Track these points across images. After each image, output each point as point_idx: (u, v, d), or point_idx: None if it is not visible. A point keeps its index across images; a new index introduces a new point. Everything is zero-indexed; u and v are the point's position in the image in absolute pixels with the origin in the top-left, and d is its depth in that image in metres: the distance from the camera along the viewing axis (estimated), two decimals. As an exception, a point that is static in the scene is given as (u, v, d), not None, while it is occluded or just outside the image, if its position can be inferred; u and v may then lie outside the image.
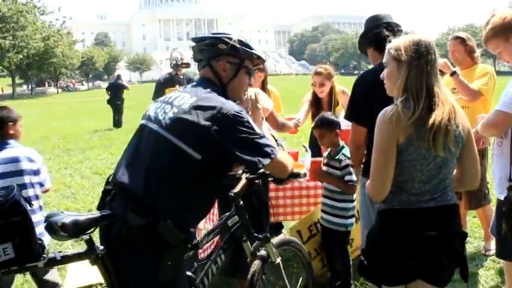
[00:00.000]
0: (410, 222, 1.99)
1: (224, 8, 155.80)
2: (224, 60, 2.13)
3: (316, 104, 4.53)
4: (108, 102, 16.41)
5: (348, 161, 3.14)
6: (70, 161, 9.57)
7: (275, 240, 2.65)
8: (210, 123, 1.86)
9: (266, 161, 1.93)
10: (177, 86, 5.35)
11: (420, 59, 1.95)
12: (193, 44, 2.21)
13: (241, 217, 2.34)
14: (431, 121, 1.89)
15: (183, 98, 2.00)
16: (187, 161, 1.87)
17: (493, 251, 4.03)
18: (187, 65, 5.94)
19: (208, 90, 2.03)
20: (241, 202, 2.33)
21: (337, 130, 3.30)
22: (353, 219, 3.28)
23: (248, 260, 2.48)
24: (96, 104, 28.91)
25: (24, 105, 33.02)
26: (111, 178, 2.05)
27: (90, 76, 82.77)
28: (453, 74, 3.77)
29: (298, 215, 3.78)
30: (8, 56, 42.09)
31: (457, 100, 3.93)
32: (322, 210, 3.35)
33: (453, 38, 4.07)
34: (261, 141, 1.96)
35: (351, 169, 3.14)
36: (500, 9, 2.76)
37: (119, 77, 17.59)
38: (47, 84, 72.04)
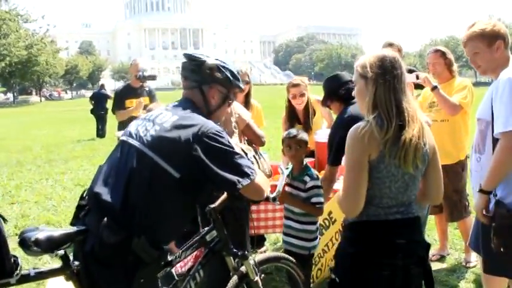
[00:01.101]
0: (380, 231, 2.01)
1: (210, 18, 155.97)
2: (216, 89, 2.18)
3: (292, 117, 4.54)
4: (92, 112, 16.30)
5: (314, 182, 3.05)
6: (52, 171, 9.44)
7: (260, 256, 2.64)
8: (190, 141, 1.89)
9: (245, 182, 1.94)
10: (140, 99, 5.23)
11: (386, 75, 1.96)
12: (184, 59, 2.23)
13: (219, 232, 2.33)
14: (403, 139, 1.91)
15: (164, 116, 2.03)
16: (166, 178, 1.89)
17: (473, 263, 4.08)
18: (153, 78, 5.62)
19: (190, 110, 2.07)
20: (220, 217, 2.32)
21: (304, 148, 3.21)
22: (317, 241, 3.17)
23: (231, 274, 2.46)
24: (80, 113, 28.63)
25: (6, 114, 32.65)
26: (85, 193, 2.05)
27: (74, 85, 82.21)
28: (434, 88, 3.82)
29: (279, 228, 3.77)
30: (-10, 64, 41.55)
31: (436, 113, 4.02)
32: (284, 233, 3.21)
33: (433, 51, 4.13)
34: (241, 161, 1.98)
35: (320, 190, 3.05)
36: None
37: (102, 86, 17.50)
38: (33, 93, 71.21)
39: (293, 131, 3.24)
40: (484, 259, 2.75)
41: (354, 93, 2.12)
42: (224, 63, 2.21)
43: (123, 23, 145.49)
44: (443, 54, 4.01)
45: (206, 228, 2.36)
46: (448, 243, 4.46)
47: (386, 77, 1.96)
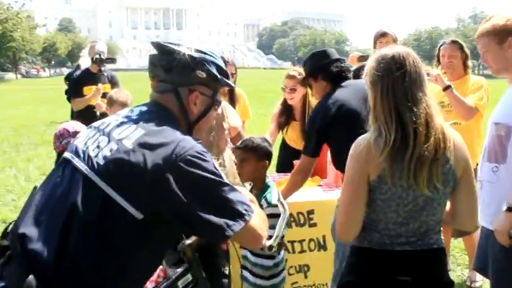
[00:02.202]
0: (379, 263, 1.75)
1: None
2: (198, 91, 1.60)
3: (287, 112, 4.00)
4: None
5: (272, 210, 2.38)
6: (17, 158, 8.75)
7: None
8: (160, 167, 1.35)
9: (237, 226, 1.39)
10: (99, 85, 4.76)
11: (384, 79, 1.68)
12: (154, 51, 1.63)
13: (196, 275, 1.78)
14: (409, 155, 1.62)
15: (125, 130, 1.45)
16: (124, 220, 1.35)
17: (479, 283, 3.66)
18: (113, 61, 5.15)
19: (161, 121, 1.49)
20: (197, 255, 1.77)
21: (266, 161, 2.61)
22: (278, 280, 2.55)
23: None
24: (57, 92, 27.44)
25: (-22, 92, 31.30)
26: (10, 227, 1.47)
27: (53, 63, 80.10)
28: (447, 88, 3.33)
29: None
30: (-40, 39, 39.87)
31: (446, 115, 3.53)
32: (241, 265, 2.48)
33: (450, 43, 3.63)
34: (232, 195, 1.42)
35: (275, 220, 2.15)
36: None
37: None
38: (6, 71, 69.19)
39: (246, 139, 2.63)
40: (494, 284, 2.36)
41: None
42: (209, 54, 1.63)
43: (104, 0, 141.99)
44: (461, 47, 3.52)
45: (178, 270, 1.77)
46: (450, 258, 4.04)
47: (384, 82, 1.68)
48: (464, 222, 1.85)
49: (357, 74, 3.58)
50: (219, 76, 1.62)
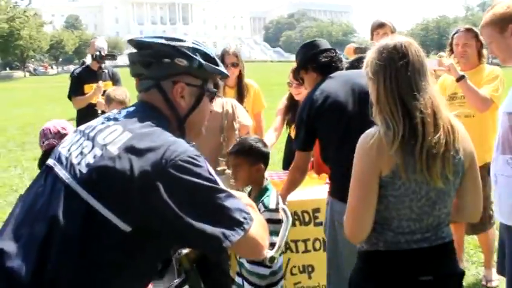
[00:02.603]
0: (400, 266, 1.68)
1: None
2: (182, 82, 1.45)
3: (293, 108, 3.83)
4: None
5: (269, 215, 2.29)
6: (22, 157, 8.68)
7: None
8: (149, 174, 1.22)
9: (235, 236, 1.26)
10: (99, 82, 4.65)
11: (386, 70, 1.63)
12: (133, 49, 1.50)
13: (194, 287, 1.66)
14: (419, 147, 1.57)
15: (111, 133, 1.33)
16: (109, 233, 1.22)
17: (495, 282, 3.51)
18: (113, 57, 5.06)
19: (150, 123, 1.36)
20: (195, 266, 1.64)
21: (261, 164, 2.49)
22: (282, 282, 2.49)
23: None
24: (63, 89, 27.52)
25: (-14, 90, 31.43)
26: None
27: (60, 60, 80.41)
28: (461, 78, 3.17)
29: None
30: (-32, 38, 40.04)
31: (459, 107, 3.38)
32: (237, 272, 2.44)
33: (464, 30, 3.46)
34: (229, 202, 1.29)
35: (274, 226, 2.12)
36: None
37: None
38: (9, 68, 69.60)
39: (238, 142, 2.50)
40: (510, 281, 2.29)
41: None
42: (189, 42, 1.49)
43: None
44: (476, 35, 3.34)
45: (176, 281, 1.64)
46: (464, 255, 3.88)
47: (387, 72, 1.63)
48: (470, 214, 1.84)
49: (355, 65, 3.45)
50: (203, 62, 1.47)
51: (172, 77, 1.45)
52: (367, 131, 1.68)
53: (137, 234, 1.24)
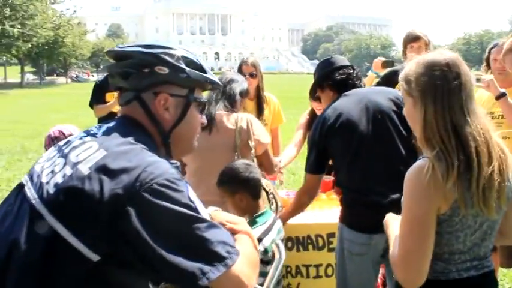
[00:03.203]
0: None
1: (238, 4, 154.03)
2: (165, 92, 1.31)
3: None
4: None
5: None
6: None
7: None
8: (120, 198, 1.07)
9: (214, 273, 1.09)
10: None
11: (437, 91, 1.47)
12: (111, 60, 1.37)
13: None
14: (475, 179, 1.43)
15: (84, 151, 1.19)
16: (74, 262, 1.08)
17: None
18: None
19: (130, 139, 1.21)
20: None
21: (242, 193, 2.21)
22: None
23: None
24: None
25: (29, 95, 32.52)
26: None
27: (101, 67, 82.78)
28: (502, 96, 2.90)
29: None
30: (16, 45, 41.52)
31: (497, 127, 3.13)
32: None
33: (503, 44, 3.20)
34: (209, 234, 1.12)
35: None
36: None
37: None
38: (55, 74, 72.08)
39: (221, 172, 2.29)
40: None
41: (404, 112, 1.62)
42: (171, 48, 1.34)
43: (152, 6, 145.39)
44: None
45: None
46: (498, 288, 3.58)
47: (438, 92, 1.47)
48: None
49: (391, 78, 3.21)
50: (186, 69, 1.31)
51: (154, 87, 1.30)
52: (418, 164, 1.50)
53: (106, 264, 1.09)
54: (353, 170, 2.33)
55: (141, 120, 1.30)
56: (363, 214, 2.29)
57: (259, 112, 3.86)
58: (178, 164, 1.25)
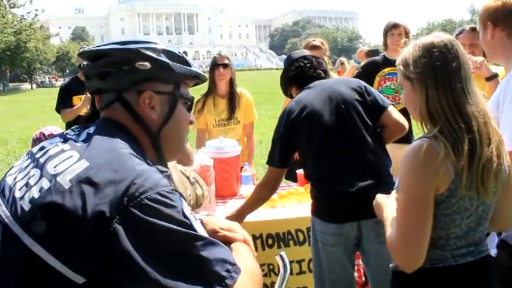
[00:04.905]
0: (447, 282, 1.57)
1: (204, 2, 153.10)
2: (149, 90, 1.20)
3: None
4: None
5: None
6: (20, 171, 8.51)
7: None
8: (105, 216, 0.95)
9: None
10: (87, 94, 4.40)
11: (437, 72, 1.47)
12: (85, 62, 1.26)
13: None
14: (477, 160, 1.44)
15: (64, 161, 1.04)
16: (57, 286, 0.96)
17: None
18: None
19: (114, 146, 1.08)
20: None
21: None
22: None
23: None
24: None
25: (-8, 103, 31.49)
26: None
27: (67, 72, 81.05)
28: (493, 77, 2.90)
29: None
30: (-25, 51, 40.37)
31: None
32: None
33: (469, 30, 3.24)
34: (208, 252, 1.00)
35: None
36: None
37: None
38: (19, 81, 70.25)
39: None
40: None
41: (402, 100, 1.65)
42: (151, 42, 1.24)
43: (116, 7, 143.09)
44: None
45: None
46: None
47: (439, 73, 1.47)
48: (503, 223, 1.72)
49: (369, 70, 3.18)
50: (170, 62, 1.21)
51: (136, 85, 1.19)
52: (415, 144, 1.49)
53: (92, 286, 0.97)
54: (319, 161, 2.34)
55: (125, 123, 1.18)
56: (332, 205, 2.32)
57: (232, 110, 3.82)
58: (170, 172, 1.16)
